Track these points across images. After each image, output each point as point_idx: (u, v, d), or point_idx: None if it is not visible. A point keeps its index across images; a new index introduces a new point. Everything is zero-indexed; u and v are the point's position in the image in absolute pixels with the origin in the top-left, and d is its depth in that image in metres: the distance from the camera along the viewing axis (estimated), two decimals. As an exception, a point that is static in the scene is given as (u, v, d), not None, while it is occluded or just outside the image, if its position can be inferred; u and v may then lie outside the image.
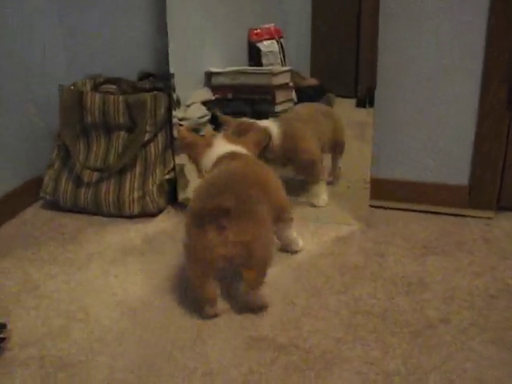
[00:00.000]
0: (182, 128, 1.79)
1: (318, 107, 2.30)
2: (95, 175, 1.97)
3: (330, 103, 2.38)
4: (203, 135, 1.70)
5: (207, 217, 1.28)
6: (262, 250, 1.33)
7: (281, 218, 1.54)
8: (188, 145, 1.61)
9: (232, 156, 1.52)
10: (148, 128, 1.95)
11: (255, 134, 1.70)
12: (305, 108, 2.34)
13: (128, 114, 1.95)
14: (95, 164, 1.98)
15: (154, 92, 1.99)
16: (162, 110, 1.99)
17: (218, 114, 2.31)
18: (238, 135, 1.68)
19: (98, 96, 1.96)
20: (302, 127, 2.06)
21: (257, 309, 1.40)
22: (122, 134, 1.99)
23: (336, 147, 2.08)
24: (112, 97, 1.96)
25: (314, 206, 2.00)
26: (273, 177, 1.52)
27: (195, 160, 1.61)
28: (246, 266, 1.32)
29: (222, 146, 1.57)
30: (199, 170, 1.60)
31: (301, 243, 1.69)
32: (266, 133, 1.82)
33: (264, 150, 1.75)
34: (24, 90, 2.08)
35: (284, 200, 1.55)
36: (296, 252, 1.68)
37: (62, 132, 2.01)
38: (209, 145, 1.58)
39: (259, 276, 1.34)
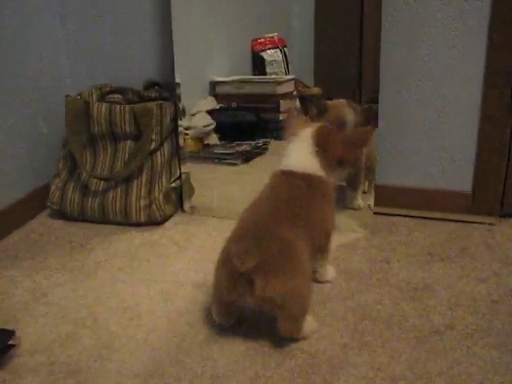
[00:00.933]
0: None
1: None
2: (102, 184, 1.98)
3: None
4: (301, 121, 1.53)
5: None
6: (296, 303, 1.24)
7: (320, 252, 1.46)
8: (288, 121, 1.53)
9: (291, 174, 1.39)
10: (154, 137, 1.97)
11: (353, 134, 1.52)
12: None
13: (134, 123, 1.97)
14: (102, 173, 2.00)
15: (160, 101, 2.01)
16: (167, 119, 2.01)
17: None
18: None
19: (104, 106, 1.98)
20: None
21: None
22: (129, 142, 2.01)
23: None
24: (118, 106, 1.97)
25: (355, 209, 2.00)
26: (326, 209, 1.40)
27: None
28: (280, 316, 1.25)
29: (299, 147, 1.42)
30: None
31: (331, 274, 1.57)
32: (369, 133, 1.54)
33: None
34: (30, 101, 2.10)
35: (329, 236, 1.44)
36: (324, 282, 1.55)
37: (68, 141, 2.02)
38: (294, 133, 1.45)
39: (295, 326, 1.28)
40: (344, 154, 1.42)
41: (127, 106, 1.98)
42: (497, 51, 1.74)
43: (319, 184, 1.39)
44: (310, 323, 1.32)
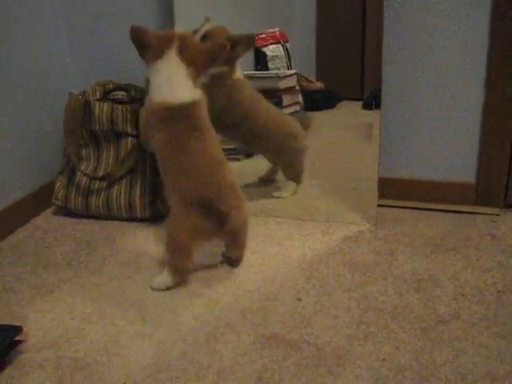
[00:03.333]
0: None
1: None
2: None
3: (306, 123, 2.38)
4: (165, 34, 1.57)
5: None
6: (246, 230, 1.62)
7: None
8: (138, 37, 1.55)
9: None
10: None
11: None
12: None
13: (135, 122, 1.96)
14: (106, 169, 2.00)
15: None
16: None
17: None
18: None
19: (106, 105, 1.98)
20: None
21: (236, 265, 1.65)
22: (130, 139, 2.00)
23: None
24: (120, 106, 1.97)
25: (275, 196, 2.10)
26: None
27: (144, 60, 1.58)
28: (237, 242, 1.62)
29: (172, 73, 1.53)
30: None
31: None
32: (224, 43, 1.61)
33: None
34: (35, 98, 2.11)
35: None
36: None
37: (65, 140, 2.03)
38: (158, 54, 1.53)
39: (244, 250, 1.65)
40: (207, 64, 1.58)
41: (128, 106, 1.98)
42: (498, 43, 1.74)
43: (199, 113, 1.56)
44: None
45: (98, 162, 2.03)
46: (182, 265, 1.51)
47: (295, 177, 2.13)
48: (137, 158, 1.96)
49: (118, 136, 2.00)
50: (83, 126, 2.00)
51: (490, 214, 1.88)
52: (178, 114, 1.51)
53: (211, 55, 1.57)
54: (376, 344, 1.26)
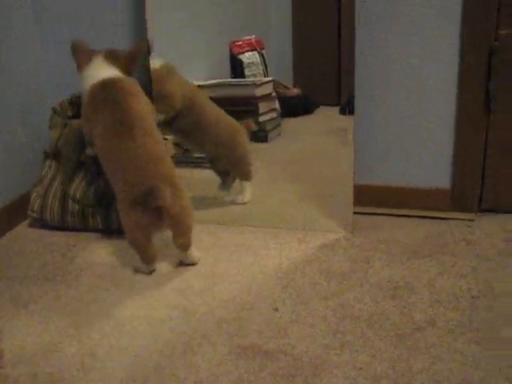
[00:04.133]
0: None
1: None
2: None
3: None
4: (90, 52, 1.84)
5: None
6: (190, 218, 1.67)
7: None
8: (74, 49, 1.83)
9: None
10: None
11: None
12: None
13: None
14: (81, 194, 1.99)
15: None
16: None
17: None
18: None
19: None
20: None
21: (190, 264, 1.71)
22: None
23: None
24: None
25: (238, 203, 2.13)
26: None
27: (78, 69, 1.83)
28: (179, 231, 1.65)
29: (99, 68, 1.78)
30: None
31: None
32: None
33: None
34: (10, 109, 2.10)
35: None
36: None
37: (62, 166, 2.03)
38: (88, 60, 1.80)
39: (189, 239, 1.68)
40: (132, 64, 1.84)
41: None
42: (468, 49, 1.76)
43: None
44: (196, 251, 1.72)
45: (86, 190, 2.01)
46: (145, 257, 1.65)
47: (247, 172, 2.16)
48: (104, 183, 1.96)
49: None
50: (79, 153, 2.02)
51: (465, 220, 1.89)
52: (104, 88, 1.72)
53: (133, 59, 1.85)
54: (352, 353, 1.27)
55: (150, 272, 1.68)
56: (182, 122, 2.09)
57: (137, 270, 1.69)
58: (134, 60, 1.86)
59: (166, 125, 2.09)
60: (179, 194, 1.61)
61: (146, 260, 1.66)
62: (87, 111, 1.76)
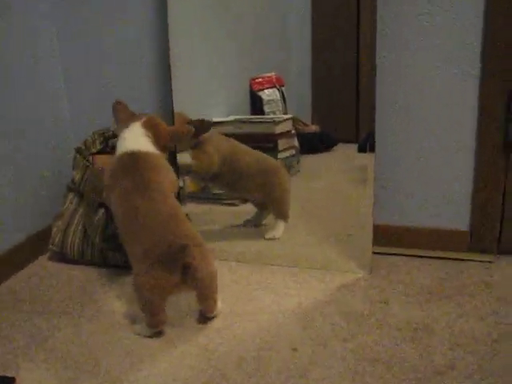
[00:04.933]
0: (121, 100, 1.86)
1: None
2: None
3: None
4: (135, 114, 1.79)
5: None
6: (215, 282, 1.59)
7: None
8: (115, 109, 1.79)
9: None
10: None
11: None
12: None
13: None
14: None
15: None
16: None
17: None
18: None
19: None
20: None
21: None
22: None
23: None
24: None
25: (269, 238, 2.13)
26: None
27: (117, 131, 1.80)
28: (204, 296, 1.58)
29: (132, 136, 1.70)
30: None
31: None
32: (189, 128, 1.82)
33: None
34: (34, 144, 2.14)
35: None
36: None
37: (86, 211, 2.04)
38: (126, 124, 1.73)
39: (214, 304, 1.61)
40: (168, 141, 1.75)
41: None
42: (488, 92, 1.77)
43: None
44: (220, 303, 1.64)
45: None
46: (155, 321, 1.54)
47: (284, 212, 2.17)
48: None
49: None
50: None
51: (484, 261, 1.88)
52: (128, 160, 1.65)
53: (173, 137, 1.77)
54: (371, 395, 1.26)
55: (152, 335, 1.56)
56: (225, 180, 2.14)
57: (139, 334, 1.57)
58: (177, 140, 1.83)
59: (210, 181, 2.17)
60: (206, 254, 1.54)
61: (155, 324, 1.55)
62: (107, 178, 1.70)
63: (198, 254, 1.49)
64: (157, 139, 1.71)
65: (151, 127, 1.72)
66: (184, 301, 1.70)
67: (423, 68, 1.82)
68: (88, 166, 2.05)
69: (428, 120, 1.86)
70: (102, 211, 2.00)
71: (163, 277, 1.47)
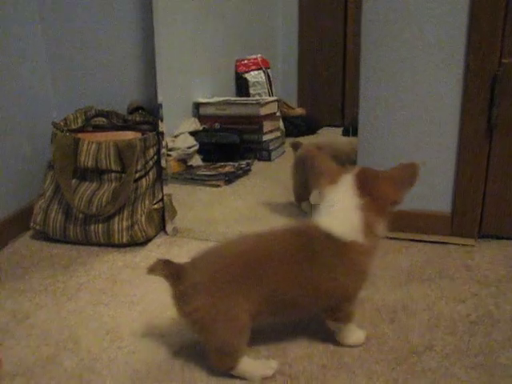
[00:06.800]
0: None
1: None
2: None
3: None
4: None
5: None
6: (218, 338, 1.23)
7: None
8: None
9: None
10: (139, 168, 1.99)
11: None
12: None
13: (119, 158, 2.00)
14: (80, 202, 2.00)
15: (143, 134, 2.05)
16: (151, 150, 2.03)
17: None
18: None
19: (94, 144, 2.01)
20: None
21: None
22: (113, 175, 2.03)
23: None
24: (104, 143, 2.00)
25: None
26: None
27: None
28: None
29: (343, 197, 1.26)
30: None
31: (354, 339, 1.39)
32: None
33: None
34: (14, 123, 2.12)
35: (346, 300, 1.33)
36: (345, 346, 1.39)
37: (56, 176, 2.02)
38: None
39: (222, 360, 1.26)
40: (397, 198, 1.28)
41: (111, 142, 2.00)
42: (472, 76, 1.78)
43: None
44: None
45: (75, 193, 2.03)
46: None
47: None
48: (128, 195, 1.97)
49: (101, 172, 2.03)
50: (74, 163, 2.02)
51: (465, 245, 1.90)
52: (321, 244, 1.24)
53: (404, 185, 1.31)
54: (349, 374, 1.27)
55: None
56: None
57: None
58: (404, 191, 1.32)
59: None
60: None
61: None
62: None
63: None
64: (375, 202, 1.25)
65: (367, 183, 1.27)
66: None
67: (406, 52, 1.83)
68: (56, 134, 2.04)
69: (411, 105, 1.87)
70: (81, 190, 2.02)
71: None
